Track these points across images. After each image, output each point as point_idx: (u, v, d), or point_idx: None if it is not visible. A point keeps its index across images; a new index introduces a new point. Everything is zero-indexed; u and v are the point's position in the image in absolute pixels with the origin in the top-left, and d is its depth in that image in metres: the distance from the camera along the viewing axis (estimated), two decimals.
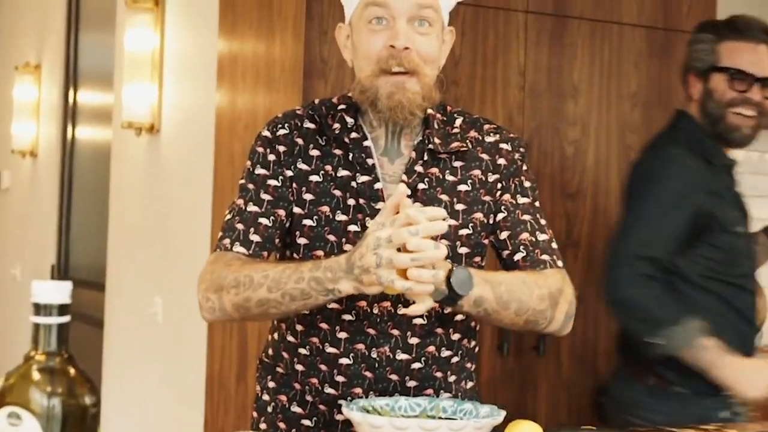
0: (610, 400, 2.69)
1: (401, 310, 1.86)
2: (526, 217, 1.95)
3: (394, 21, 1.87)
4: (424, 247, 1.67)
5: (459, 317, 1.93)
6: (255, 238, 1.89)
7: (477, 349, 2.02)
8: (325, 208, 1.89)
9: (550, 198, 3.03)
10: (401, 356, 1.88)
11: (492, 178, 1.95)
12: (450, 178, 1.93)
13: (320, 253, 1.88)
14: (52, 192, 5.86)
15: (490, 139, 1.98)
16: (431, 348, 1.91)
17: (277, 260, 1.96)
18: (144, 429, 4.29)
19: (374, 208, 1.87)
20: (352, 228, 1.88)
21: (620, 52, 3.20)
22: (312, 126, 1.95)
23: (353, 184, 1.90)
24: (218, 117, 3.48)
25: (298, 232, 1.90)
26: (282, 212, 1.91)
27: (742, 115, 2.64)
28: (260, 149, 1.95)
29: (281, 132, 1.94)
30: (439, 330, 1.91)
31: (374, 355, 1.88)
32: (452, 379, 1.94)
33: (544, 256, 1.92)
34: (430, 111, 1.93)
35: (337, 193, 1.90)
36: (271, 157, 1.93)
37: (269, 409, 1.97)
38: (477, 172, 1.95)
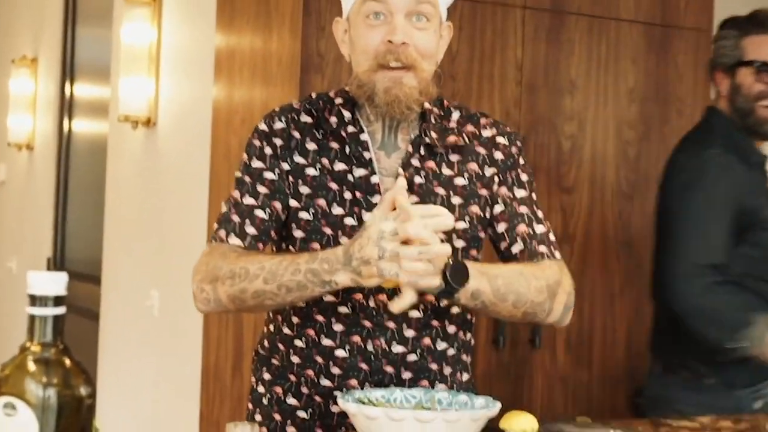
0: (647, 400, 2.72)
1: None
2: (524, 209, 1.95)
3: (391, 16, 1.87)
4: (430, 241, 1.67)
5: (455, 310, 1.93)
6: (251, 230, 1.89)
7: (473, 341, 2.02)
8: (322, 202, 1.90)
9: (546, 192, 3.04)
10: (397, 348, 1.89)
11: (489, 171, 1.96)
12: (447, 172, 1.93)
13: (317, 246, 1.88)
14: (49, 185, 5.85)
15: (487, 133, 1.99)
16: (427, 340, 1.91)
17: (273, 252, 1.96)
18: (140, 421, 4.29)
19: (371, 201, 1.87)
20: (349, 221, 1.88)
21: (617, 47, 3.20)
22: (309, 120, 1.95)
23: (350, 177, 1.90)
24: (215, 111, 3.48)
25: (294, 225, 1.91)
26: (278, 205, 1.91)
27: None
28: (257, 142, 1.95)
29: (278, 125, 1.94)
30: (435, 322, 1.92)
31: (370, 347, 1.88)
32: (448, 371, 1.94)
33: (542, 248, 1.93)
34: (427, 105, 1.93)
35: (334, 186, 1.90)
36: (268, 150, 1.93)
37: (264, 401, 1.98)
38: (474, 165, 1.95)
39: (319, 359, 1.90)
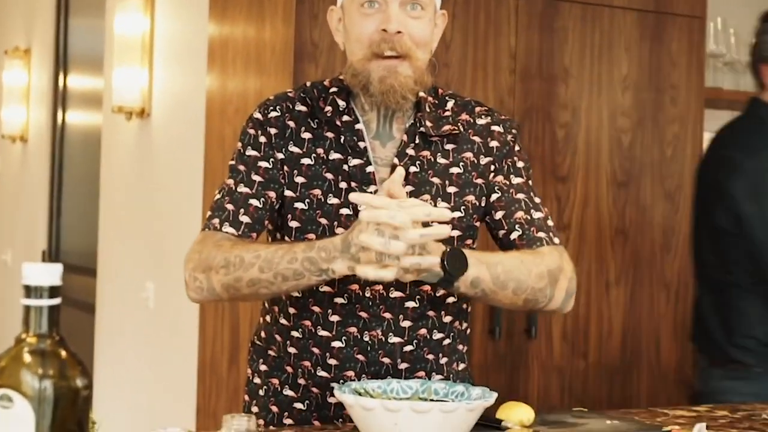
0: (698, 396, 2.73)
1: (393, 293, 1.87)
2: (521, 195, 1.95)
3: (386, 5, 1.86)
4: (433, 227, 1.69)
5: (450, 300, 1.93)
6: (244, 219, 1.88)
7: (469, 331, 2.02)
8: (317, 192, 1.89)
9: (540, 181, 3.03)
10: (393, 339, 1.89)
11: (484, 160, 1.95)
12: (442, 161, 1.93)
13: (312, 236, 1.88)
14: (43, 177, 5.84)
15: (481, 121, 1.98)
16: (423, 331, 1.91)
17: (268, 242, 1.96)
18: (136, 414, 4.29)
19: (366, 191, 1.87)
20: (344, 211, 1.88)
21: (611, 35, 3.20)
22: (304, 109, 1.94)
23: (345, 167, 1.89)
24: (209, 101, 3.47)
25: (289, 215, 1.90)
26: (272, 194, 1.90)
27: None
28: (251, 131, 1.94)
29: (273, 114, 1.94)
30: (431, 313, 1.92)
31: (366, 338, 1.88)
32: (444, 361, 1.94)
33: (540, 234, 1.92)
34: (421, 94, 1.93)
35: (329, 176, 1.90)
36: (262, 139, 1.92)
37: (261, 393, 1.97)
38: (469, 154, 1.95)
39: (315, 350, 1.90)
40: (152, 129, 4.21)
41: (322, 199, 1.89)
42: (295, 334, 1.92)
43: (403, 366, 1.89)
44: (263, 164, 1.91)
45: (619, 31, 3.20)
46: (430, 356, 1.92)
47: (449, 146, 1.94)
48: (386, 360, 1.88)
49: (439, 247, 1.75)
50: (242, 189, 1.90)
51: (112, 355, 4.63)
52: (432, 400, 1.74)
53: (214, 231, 1.88)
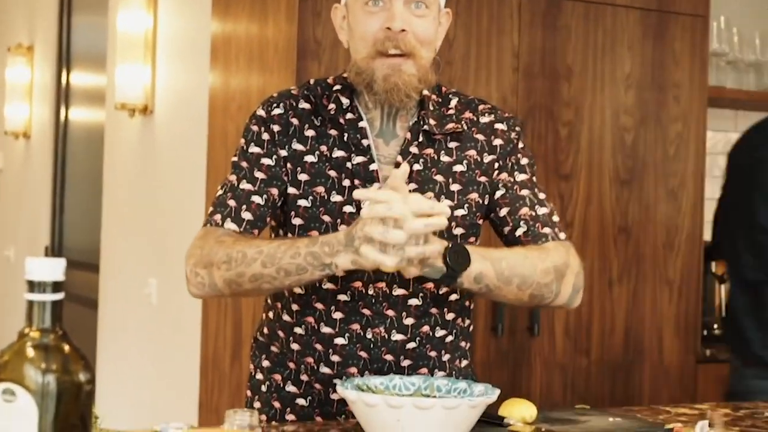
0: (731, 395, 2.73)
1: (396, 291, 1.87)
2: (525, 192, 1.95)
3: (390, 3, 1.86)
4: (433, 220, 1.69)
5: (453, 297, 1.93)
6: (247, 215, 1.88)
7: (472, 328, 2.02)
8: (320, 189, 1.89)
9: (543, 179, 3.03)
10: (396, 337, 1.89)
11: (488, 158, 1.95)
12: (445, 158, 1.93)
13: (315, 233, 1.87)
14: (46, 173, 5.85)
15: (485, 119, 1.98)
16: (425, 328, 1.91)
17: (272, 238, 1.96)
18: (139, 410, 4.30)
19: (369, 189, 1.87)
20: (348, 209, 1.88)
21: (614, 34, 3.19)
22: (307, 106, 1.94)
23: (348, 165, 1.89)
24: (212, 98, 3.47)
25: (293, 213, 1.90)
26: (275, 191, 1.90)
27: None
28: (254, 128, 1.94)
29: (276, 111, 1.94)
30: (434, 310, 1.92)
31: (369, 335, 1.88)
32: (446, 357, 1.94)
33: (546, 230, 1.92)
34: (425, 92, 1.93)
35: (333, 173, 1.90)
36: (265, 136, 1.92)
37: (263, 388, 1.98)
38: (472, 152, 1.95)
39: (318, 347, 1.90)
40: (155, 126, 4.22)
41: (326, 197, 1.89)
42: (298, 330, 1.92)
43: (405, 363, 1.90)
44: (266, 161, 1.91)
45: (622, 30, 3.20)
46: (433, 353, 1.92)
47: (453, 144, 1.94)
48: (389, 357, 1.89)
49: (441, 243, 1.76)
50: (245, 185, 1.90)
51: (114, 351, 4.63)
52: (434, 396, 1.74)
53: (215, 227, 1.88)
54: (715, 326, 3.59)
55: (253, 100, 3.02)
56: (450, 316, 1.94)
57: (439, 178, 1.91)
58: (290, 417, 1.93)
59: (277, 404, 1.95)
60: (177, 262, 3.63)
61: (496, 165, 1.96)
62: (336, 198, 1.88)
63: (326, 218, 1.88)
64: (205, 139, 3.51)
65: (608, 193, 3.17)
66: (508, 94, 3.04)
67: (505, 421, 1.79)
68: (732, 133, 4.09)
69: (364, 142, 1.90)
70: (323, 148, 1.91)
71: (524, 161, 1.98)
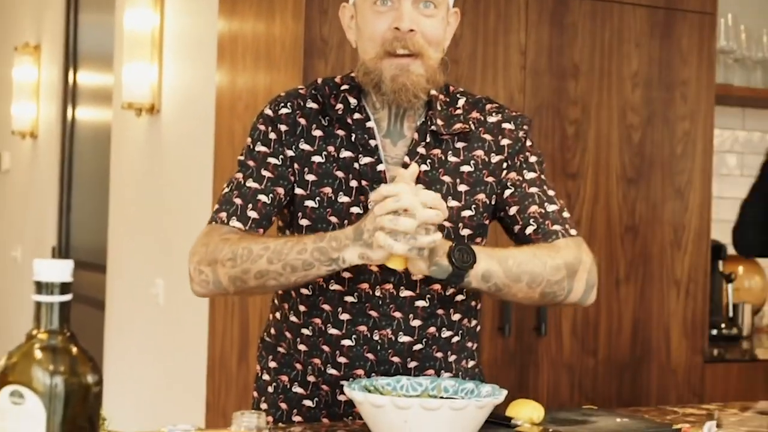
0: None
1: (403, 292, 1.87)
2: (534, 189, 1.94)
3: (399, 3, 1.85)
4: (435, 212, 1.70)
5: (459, 297, 1.92)
6: (252, 214, 1.88)
7: (479, 328, 2.02)
8: (328, 190, 1.89)
9: (550, 178, 2.99)
10: (403, 338, 1.88)
11: (495, 159, 1.95)
12: (452, 159, 1.92)
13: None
14: (53, 173, 5.85)
15: (492, 119, 1.98)
16: (432, 329, 1.90)
17: (278, 236, 1.96)
18: (145, 410, 4.30)
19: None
20: (355, 210, 1.87)
21: (621, 31, 3.19)
22: (315, 106, 1.94)
23: (356, 165, 1.89)
24: (218, 97, 3.47)
25: (300, 214, 1.90)
26: (281, 190, 1.90)
27: None
28: (262, 127, 1.94)
29: (283, 111, 1.93)
30: (440, 311, 1.91)
31: (376, 337, 1.87)
32: (453, 358, 1.94)
33: (556, 227, 1.91)
34: (433, 92, 1.92)
35: (340, 174, 1.89)
36: (272, 136, 1.92)
37: (270, 389, 1.97)
38: (480, 152, 1.94)
39: (325, 348, 1.89)
40: (162, 125, 4.22)
41: (333, 197, 1.88)
42: (305, 331, 1.91)
43: (412, 365, 1.89)
44: (272, 161, 1.91)
45: (629, 28, 3.20)
46: (439, 354, 1.92)
47: (460, 144, 1.94)
48: (396, 359, 1.88)
49: (446, 242, 1.75)
50: (251, 184, 1.90)
51: (121, 352, 4.64)
52: (442, 397, 1.74)
53: (220, 224, 1.88)
54: (723, 325, 3.58)
55: (260, 98, 3.02)
56: (456, 317, 1.94)
57: (446, 178, 1.91)
58: (297, 418, 1.93)
59: (283, 405, 1.94)
60: (184, 263, 3.63)
61: (504, 165, 1.95)
62: (343, 199, 1.88)
63: (333, 219, 1.88)
64: (212, 138, 3.51)
65: (615, 191, 3.16)
66: (515, 93, 3.04)
67: (513, 422, 1.79)
68: (739, 131, 4.08)
69: (372, 142, 1.90)
70: (331, 148, 1.90)
71: (533, 159, 1.97)
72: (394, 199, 1.67)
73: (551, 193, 1.96)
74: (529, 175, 1.95)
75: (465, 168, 1.92)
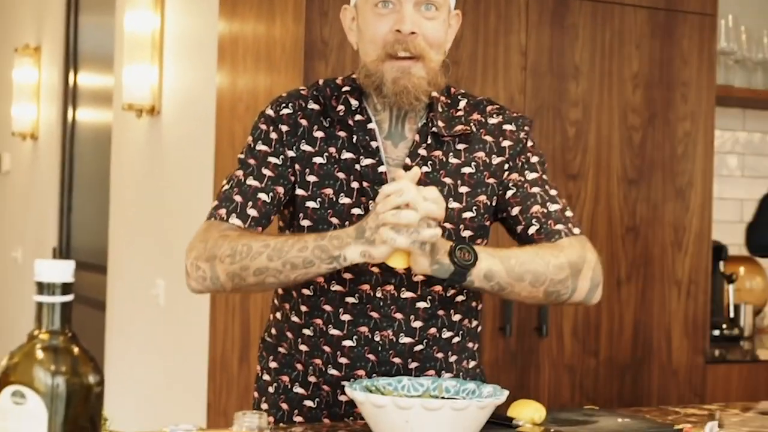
0: None
1: (404, 294, 1.87)
2: (536, 189, 1.94)
3: (400, 5, 1.85)
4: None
5: (460, 298, 1.92)
6: (252, 212, 1.88)
7: (480, 328, 2.02)
8: (329, 191, 1.89)
9: (551, 179, 3.02)
10: (404, 340, 1.88)
11: (496, 160, 1.95)
12: (453, 161, 1.92)
13: None
14: (53, 174, 5.85)
15: (493, 120, 1.98)
16: (433, 330, 1.90)
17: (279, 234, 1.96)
18: (146, 411, 4.30)
19: (377, 191, 1.86)
20: (356, 211, 1.87)
21: (622, 32, 3.19)
22: (316, 107, 1.94)
23: (357, 167, 1.89)
24: (219, 98, 3.47)
25: (301, 215, 1.90)
26: (281, 190, 1.90)
27: None
28: (263, 126, 1.94)
29: (285, 111, 1.93)
30: (441, 312, 1.91)
31: (377, 338, 1.87)
32: (453, 359, 1.94)
33: (558, 226, 1.91)
34: (434, 94, 1.92)
35: (341, 175, 1.89)
36: (273, 136, 1.92)
37: (271, 390, 1.97)
38: (481, 154, 1.94)
39: (327, 348, 1.89)
40: (162, 126, 4.22)
41: (334, 199, 1.88)
42: (306, 332, 1.91)
43: (413, 365, 1.89)
44: (273, 160, 1.91)
45: (629, 29, 3.20)
46: (440, 355, 1.92)
47: (461, 146, 1.94)
48: (397, 360, 1.88)
49: (446, 242, 1.76)
50: (251, 182, 1.90)
51: (122, 353, 4.64)
52: (443, 397, 1.74)
53: (219, 221, 1.88)
54: (724, 326, 3.58)
55: (260, 100, 3.02)
56: (456, 318, 1.94)
57: (447, 180, 1.91)
58: (298, 419, 1.93)
59: (284, 406, 1.94)
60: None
61: (506, 166, 1.95)
62: (344, 200, 1.88)
63: (334, 220, 1.88)
64: (213, 139, 3.51)
65: (616, 192, 3.16)
66: (515, 94, 3.04)
67: (514, 422, 1.79)
68: (740, 132, 4.08)
69: (373, 144, 1.90)
70: (332, 149, 1.90)
71: (534, 159, 1.97)
72: (396, 194, 1.67)
73: (553, 192, 1.96)
74: (531, 176, 1.95)
75: (466, 169, 1.92)
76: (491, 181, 1.94)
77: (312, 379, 1.92)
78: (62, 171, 5.75)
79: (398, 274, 1.86)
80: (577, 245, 1.89)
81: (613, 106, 3.17)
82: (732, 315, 3.62)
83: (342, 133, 1.91)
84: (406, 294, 1.87)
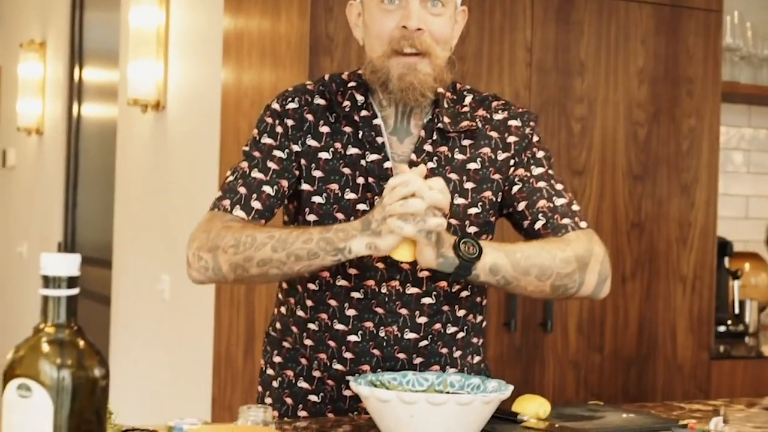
0: None
1: (409, 289, 1.87)
2: (542, 184, 1.94)
3: (407, 1, 1.85)
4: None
5: (464, 294, 1.92)
6: (256, 204, 1.88)
7: (484, 323, 2.02)
8: (334, 186, 1.89)
9: (557, 175, 3.02)
10: (409, 335, 1.88)
11: (502, 156, 1.94)
12: (459, 156, 1.92)
13: None
14: (58, 169, 5.86)
15: (498, 116, 1.97)
16: (437, 325, 1.91)
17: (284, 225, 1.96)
18: (151, 406, 4.31)
19: (383, 187, 1.85)
20: (361, 206, 1.87)
21: (627, 28, 3.18)
22: (322, 102, 1.94)
23: (363, 162, 1.89)
24: (224, 94, 3.47)
25: (307, 210, 1.90)
26: (285, 183, 1.90)
27: None
28: (269, 119, 1.94)
29: (291, 106, 1.93)
30: (446, 308, 1.91)
31: (382, 333, 1.87)
32: (458, 354, 1.94)
33: (565, 221, 1.91)
34: (440, 90, 1.92)
35: (347, 171, 1.89)
36: (279, 129, 1.92)
37: (275, 384, 1.97)
38: (486, 150, 1.94)
39: (331, 343, 1.89)
40: (167, 122, 4.22)
41: (339, 194, 1.88)
42: (311, 326, 1.91)
43: (417, 361, 1.89)
44: (278, 154, 1.91)
45: (635, 25, 3.19)
46: (444, 350, 1.92)
47: (466, 142, 1.94)
48: (401, 355, 1.88)
49: (451, 237, 1.76)
50: (256, 174, 1.90)
51: (127, 347, 4.64)
52: (448, 392, 1.74)
53: (223, 212, 1.87)
54: (729, 322, 3.58)
55: (265, 95, 3.02)
56: (461, 313, 1.94)
57: (453, 176, 1.91)
58: (302, 413, 1.93)
59: (289, 400, 1.95)
60: None
61: (512, 162, 1.95)
62: (350, 195, 1.88)
63: (339, 215, 1.88)
64: (218, 134, 3.51)
65: (621, 188, 3.16)
66: (520, 90, 3.04)
67: (519, 418, 1.79)
68: (746, 128, 4.08)
69: (379, 139, 1.90)
70: (338, 145, 1.90)
71: (540, 154, 1.97)
72: (402, 186, 1.67)
73: (559, 187, 1.96)
74: (537, 171, 1.95)
75: (471, 165, 1.92)
76: (497, 176, 1.93)
77: (317, 373, 1.92)
78: (67, 166, 5.76)
79: (403, 270, 1.86)
80: (585, 239, 1.89)
81: (619, 102, 3.17)
82: (737, 311, 3.62)
83: (348, 129, 1.91)
84: (412, 290, 1.87)
